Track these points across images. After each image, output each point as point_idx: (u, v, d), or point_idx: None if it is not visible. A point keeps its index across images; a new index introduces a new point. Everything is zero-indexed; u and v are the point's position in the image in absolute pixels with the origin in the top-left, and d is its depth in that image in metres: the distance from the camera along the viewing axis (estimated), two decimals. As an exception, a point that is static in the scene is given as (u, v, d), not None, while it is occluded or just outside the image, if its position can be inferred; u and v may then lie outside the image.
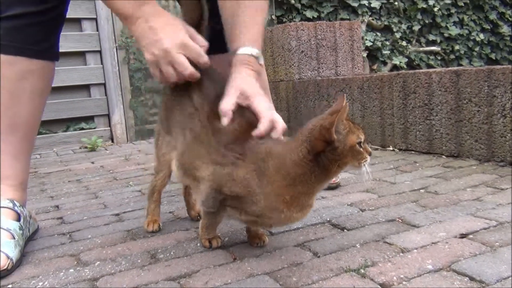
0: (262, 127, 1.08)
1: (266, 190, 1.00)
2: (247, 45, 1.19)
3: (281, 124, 1.11)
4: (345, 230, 1.29)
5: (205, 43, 1.17)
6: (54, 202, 1.85)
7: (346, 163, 1.00)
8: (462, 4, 5.21)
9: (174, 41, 1.11)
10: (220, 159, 1.05)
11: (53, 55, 1.43)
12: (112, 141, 3.58)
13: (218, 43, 1.23)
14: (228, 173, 1.03)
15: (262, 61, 1.22)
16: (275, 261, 1.10)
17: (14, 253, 1.16)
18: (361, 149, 1.00)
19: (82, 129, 3.51)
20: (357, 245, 1.17)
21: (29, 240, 1.35)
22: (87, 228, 1.48)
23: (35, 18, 1.31)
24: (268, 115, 1.10)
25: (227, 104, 1.10)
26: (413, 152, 2.32)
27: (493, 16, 5.37)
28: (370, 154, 1.02)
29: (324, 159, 0.98)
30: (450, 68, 2.20)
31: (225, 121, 1.09)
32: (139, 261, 1.16)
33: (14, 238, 1.19)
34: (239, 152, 1.04)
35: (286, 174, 0.99)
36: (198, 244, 1.24)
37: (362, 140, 1.00)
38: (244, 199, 1.02)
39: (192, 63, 1.14)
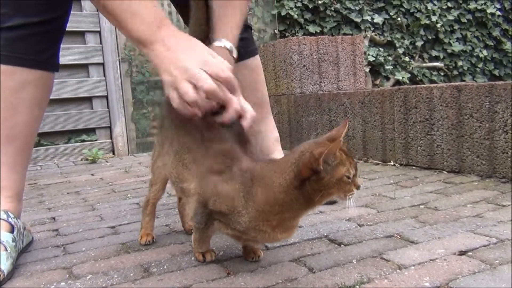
0: (226, 115, 1.08)
1: (252, 214, 0.98)
2: (223, 38, 1.23)
3: (249, 112, 1.11)
4: (342, 246, 1.27)
5: (227, 62, 1.11)
6: (51, 214, 1.84)
7: (331, 194, 0.97)
8: (465, 21, 5.22)
9: (194, 58, 1.05)
10: (206, 171, 1.04)
11: (53, 65, 1.43)
12: (113, 153, 3.58)
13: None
14: (214, 186, 1.02)
15: (235, 55, 1.25)
16: (270, 277, 1.08)
17: (5, 265, 1.14)
18: (349, 182, 0.97)
19: (84, 141, 3.51)
20: (353, 261, 1.15)
21: (23, 252, 1.34)
22: (82, 240, 1.46)
23: (36, 29, 1.32)
24: (234, 104, 1.09)
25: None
26: (414, 167, 2.30)
27: (496, 32, 5.38)
28: (358, 188, 0.99)
29: (308, 187, 0.95)
30: (451, 84, 2.19)
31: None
32: (131, 274, 1.14)
33: (6, 250, 1.18)
34: (227, 166, 1.03)
35: (273, 203, 0.97)
36: (193, 258, 1.22)
37: (351, 175, 0.97)
38: (228, 215, 1.01)
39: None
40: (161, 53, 1.06)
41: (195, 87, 1.02)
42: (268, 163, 1.04)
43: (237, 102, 1.10)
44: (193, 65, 1.03)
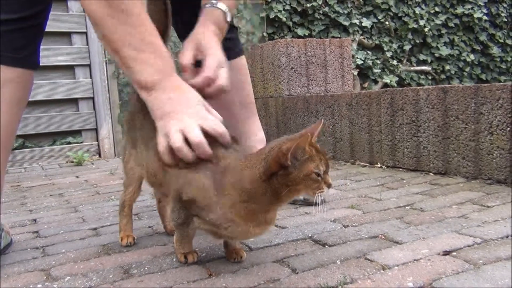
0: (196, 79, 1.11)
1: (222, 201, 0.98)
2: (220, 1, 1.24)
3: (220, 81, 1.13)
4: (326, 246, 1.25)
5: (219, 117, 1.10)
6: (32, 216, 1.80)
7: (299, 190, 0.96)
8: (453, 25, 5.27)
9: (191, 113, 1.05)
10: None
11: (32, 63, 1.40)
12: (100, 155, 3.54)
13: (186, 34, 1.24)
14: (185, 176, 1.02)
15: (229, 18, 1.25)
16: (252, 277, 1.06)
17: (-19, 267, 1.11)
18: (318, 179, 0.95)
19: (69, 143, 3.47)
20: (337, 261, 1.13)
21: (1, 254, 1.30)
22: (62, 242, 1.43)
23: (15, 25, 1.29)
24: (210, 72, 1.11)
25: (185, 59, 1.13)
26: (400, 169, 2.30)
27: (483, 37, 5.43)
28: (329, 187, 0.97)
29: (275, 181, 0.94)
30: (437, 86, 2.19)
31: (185, 75, 1.10)
32: (110, 276, 1.12)
33: (-18, 251, 1.15)
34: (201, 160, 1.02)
35: (240, 190, 0.97)
36: (174, 259, 1.20)
37: (321, 171, 0.95)
38: (201, 206, 1.00)
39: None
40: (161, 101, 1.05)
41: (185, 138, 1.02)
42: (242, 156, 1.03)
43: (216, 70, 1.13)
44: (190, 120, 1.03)
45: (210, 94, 1.14)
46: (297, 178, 0.94)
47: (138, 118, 1.21)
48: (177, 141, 1.01)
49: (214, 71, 1.13)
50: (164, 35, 1.21)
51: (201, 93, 1.10)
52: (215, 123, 1.06)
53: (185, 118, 1.03)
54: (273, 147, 0.97)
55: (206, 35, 1.18)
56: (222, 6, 1.24)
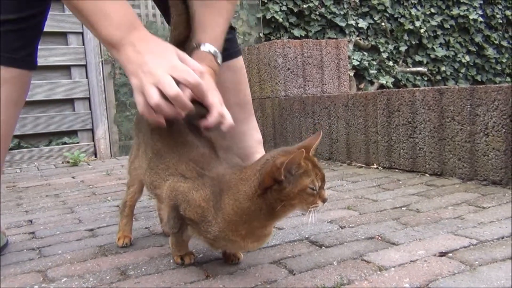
0: (211, 119, 1.08)
1: (221, 224, 0.97)
2: (208, 43, 1.21)
3: (228, 120, 1.11)
4: (323, 247, 1.25)
5: (198, 67, 1.08)
6: (28, 217, 1.80)
7: (294, 205, 0.93)
8: (448, 26, 5.29)
9: (161, 62, 1.03)
10: (178, 179, 1.03)
11: (30, 64, 1.39)
12: (96, 156, 3.53)
13: None
14: (184, 194, 1.01)
15: (220, 60, 1.23)
16: (249, 279, 1.06)
17: (-24, 268, 1.11)
18: (313, 194, 0.92)
19: (65, 143, 3.46)
20: (334, 262, 1.14)
21: (-2, 255, 1.30)
22: (58, 243, 1.43)
23: (13, 26, 1.28)
24: (219, 108, 1.09)
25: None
26: (396, 170, 2.31)
27: (478, 38, 5.46)
28: (324, 201, 0.95)
29: (270, 196, 0.92)
30: (433, 87, 2.20)
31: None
32: (107, 277, 1.12)
33: (-22, 252, 1.14)
34: (198, 173, 1.01)
35: (240, 212, 0.95)
36: (171, 261, 1.20)
37: (317, 187, 0.93)
38: (199, 224, 1.00)
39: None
40: (130, 57, 1.04)
41: (161, 92, 1.00)
42: (238, 169, 1.01)
43: (220, 106, 1.09)
44: (160, 70, 1.01)
45: (225, 131, 1.12)
46: (291, 193, 0.91)
47: (142, 123, 1.21)
48: (154, 97, 0.99)
49: (221, 107, 1.11)
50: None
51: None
52: (187, 72, 1.02)
53: (157, 70, 1.00)
54: (268, 159, 0.94)
55: (204, 77, 1.13)
56: (211, 48, 1.21)
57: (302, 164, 0.92)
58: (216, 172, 1.01)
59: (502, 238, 1.25)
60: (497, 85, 1.86)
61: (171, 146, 1.09)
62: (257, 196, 0.93)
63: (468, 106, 1.96)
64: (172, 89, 0.99)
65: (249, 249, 1.04)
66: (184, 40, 1.22)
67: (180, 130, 1.10)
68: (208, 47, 1.21)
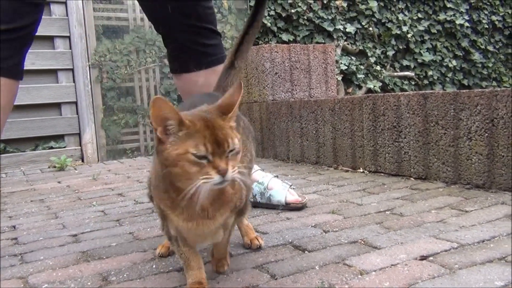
0: None
1: (153, 196, 0.95)
2: None
3: None
4: (306, 252, 1.26)
5: None
6: (12, 222, 1.78)
7: (178, 174, 0.79)
8: (435, 31, 5.34)
9: None
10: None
11: (17, 73, 1.40)
12: (83, 160, 3.51)
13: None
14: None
15: None
16: (231, 284, 1.06)
17: (-44, 275, 1.10)
18: (199, 163, 0.77)
19: (52, 148, 3.43)
20: (316, 267, 1.14)
21: (-22, 261, 1.29)
22: (41, 249, 1.41)
23: (3, 36, 1.29)
24: None
25: None
26: (382, 174, 2.32)
27: (465, 43, 5.51)
28: (219, 173, 0.77)
29: (159, 157, 0.81)
30: (417, 91, 2.22)
31: None
32: (89, 283, 1.11)
33: (-43, 259, 1.13)
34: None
35: (155, 175, 0.90)
36: (154, 266, 1.19)
37: (203, 153, 0.77)
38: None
39: None
40: None
41: None
42: None
43: None
44: None
45: None
46: (169, 157, 0.78)
47: None
48: None
49: None
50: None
51: None
52: None
53: None
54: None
55: None
56: None
57: (185, 123, 0.79)
58: None
59: (483, 241, 1.26)
60: (479, 90, 1.88)
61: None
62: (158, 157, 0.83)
63: (452, 111, 1.98)
64: None
65: (196, 232, 0.91)
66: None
67: None
68: None
